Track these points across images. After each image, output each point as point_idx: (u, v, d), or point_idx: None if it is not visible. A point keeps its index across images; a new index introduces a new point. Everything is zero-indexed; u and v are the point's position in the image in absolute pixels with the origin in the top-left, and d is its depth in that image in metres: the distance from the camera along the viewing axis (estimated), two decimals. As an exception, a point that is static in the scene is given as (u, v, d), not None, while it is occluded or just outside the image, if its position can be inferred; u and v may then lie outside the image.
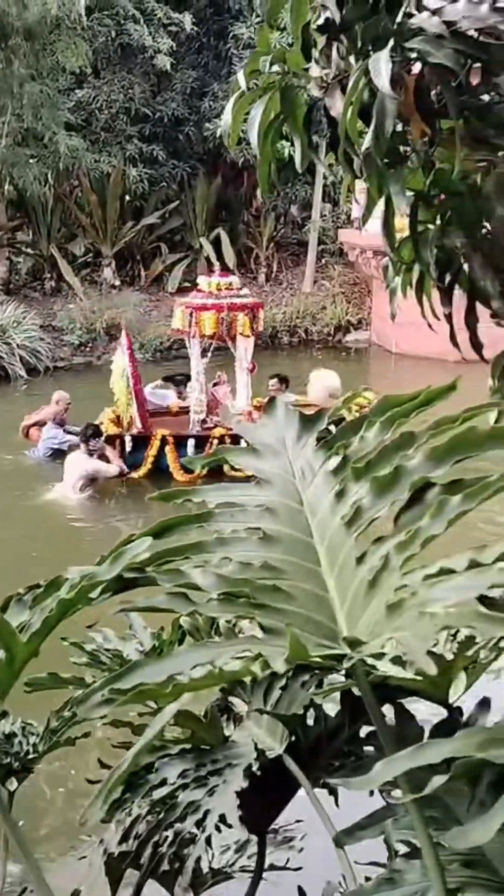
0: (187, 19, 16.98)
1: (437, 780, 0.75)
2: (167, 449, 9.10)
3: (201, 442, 9.12)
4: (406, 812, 1.50)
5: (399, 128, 1.86)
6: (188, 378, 10.05)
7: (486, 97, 1.86)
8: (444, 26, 1.33)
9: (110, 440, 9.20)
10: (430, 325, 2.27)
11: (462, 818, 1.47)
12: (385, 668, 1.51)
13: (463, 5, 1.39)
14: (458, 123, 1.64)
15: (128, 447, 9.29)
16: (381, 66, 1.37)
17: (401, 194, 1.69)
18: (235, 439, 8.73)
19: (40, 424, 10.12)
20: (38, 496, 9.01)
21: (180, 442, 9.16)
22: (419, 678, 1.53)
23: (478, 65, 1.70)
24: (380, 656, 1.37)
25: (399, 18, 1.45)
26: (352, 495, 1.08)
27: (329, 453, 1.17)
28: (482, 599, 0.99)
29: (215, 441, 9.05)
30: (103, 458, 9.09)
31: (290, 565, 1.06)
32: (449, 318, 2.08)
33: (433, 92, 1.68)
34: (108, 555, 1.08)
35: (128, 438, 9.29)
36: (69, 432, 9.79)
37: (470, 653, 1.51)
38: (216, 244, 18.70)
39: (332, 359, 16.21)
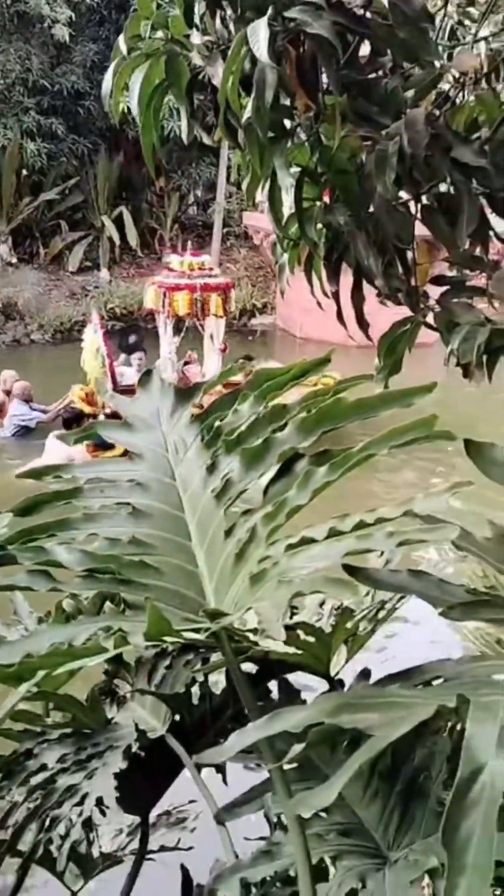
0: (87, -10, 16.52)
1: (296, 748, 0.74)
2: None
3: None
4: (283, 786, 1.51)
5: (288, 102, 1.84)
6: (136, 346, 10.04)
7: (373, 75, 1.87)
8: (320, -4, 1.31)
9: (84, 419, 9.06)
10: (319, 304, 2.27)
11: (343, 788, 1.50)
12: (262, 641, 1.50)
13: (341, -23, 1.37)
14: (340, 99, 1.64)
15: None
16: (260, 34, 1.34)
17: (284, 169, 1.68)
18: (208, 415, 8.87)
19: None
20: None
21: None
22: (299, 652, 1.54)
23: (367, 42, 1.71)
24: (249, 630, 1.36)
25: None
26: (223, 468, 1.06)
27: (202, 427, 1.15)
28: (347, 567, 0.99)
29: None
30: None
31: (159, 540, 1.04)
32: (336, 296, 2.08)
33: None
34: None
35: (101, 418, 9.13)
36: (35, 409, 9.66)
37: (349, 625, 1.52)
38: (118, 223, 18.32)
39: (237, 343, 16.19)
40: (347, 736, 1.54)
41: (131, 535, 1.03)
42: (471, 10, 5.25)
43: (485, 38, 1.79)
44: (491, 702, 0.67)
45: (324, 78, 1.74)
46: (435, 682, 0.85)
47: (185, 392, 1.23)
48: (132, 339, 10.98)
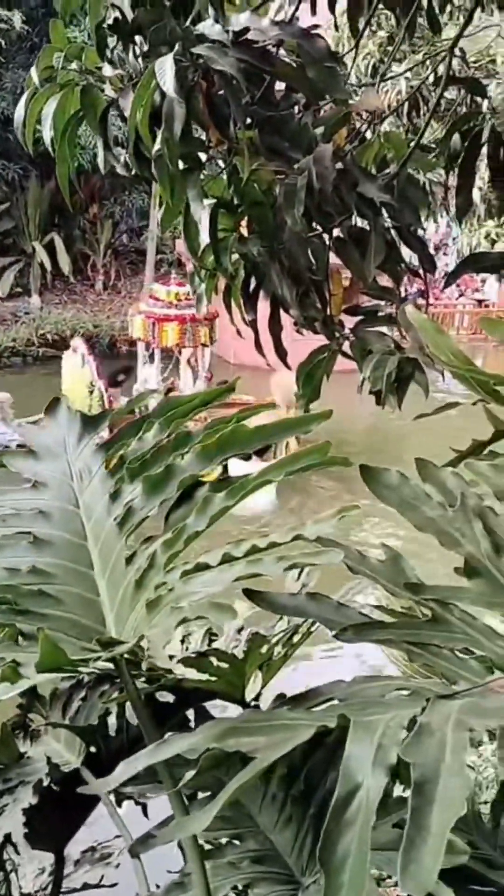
0: (17, 18, 16.48)
1: (188, 775, 0.74)
2: None
3: None
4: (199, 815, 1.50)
5: (203, 135, 1.88)
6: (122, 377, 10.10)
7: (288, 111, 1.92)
8: (225, 34, 1.35)
9: None
10: (238, 332, 2.30)
11: (255, 815, 1.49)
12: (176, 669, 1.50)
13: (246, 17, 1.42)
14: (249, 133, 1.68)
15: None
16: (167, 69, 1.37)
17: (198, 200, 1.71)
18: None
19: None
20: None
21: None
22: (213, 678, 1.54)
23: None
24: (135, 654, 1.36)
25: (187, 24, 1.46)
26: (126, 496, 1.07)
27: (108, 455, 1.15)
28: (247, 592, 1.00)
29: None
30: None
31: (60, 569, 1.03)
32: (254, 324, 2.12)
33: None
34: None
35: None
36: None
37: (264, 650, 1.53)
38: (50, 249, 18.18)
39: (171, 369, 16.18)
40: (279, 764, 1.55)
41: (31, 565, 1.02)
42: (391, 49, 5.43)
43: (392, 77, 1.86)
44: (370, 721, 0.68)
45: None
46: (329, 704, 0.87)
47: (91, 420, 1.23)
48: (121, 377, 10.99)
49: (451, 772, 0.61)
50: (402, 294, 2.04)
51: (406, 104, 4.96)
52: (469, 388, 1.26)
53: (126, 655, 0.87)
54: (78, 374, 9.68)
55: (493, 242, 5.23)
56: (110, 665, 1.41)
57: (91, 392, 9.48)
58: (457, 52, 6.70)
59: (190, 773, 0.74)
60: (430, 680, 0.84)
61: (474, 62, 6.41)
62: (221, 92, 1.53)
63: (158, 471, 1.03)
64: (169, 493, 1.01)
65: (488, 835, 1.49)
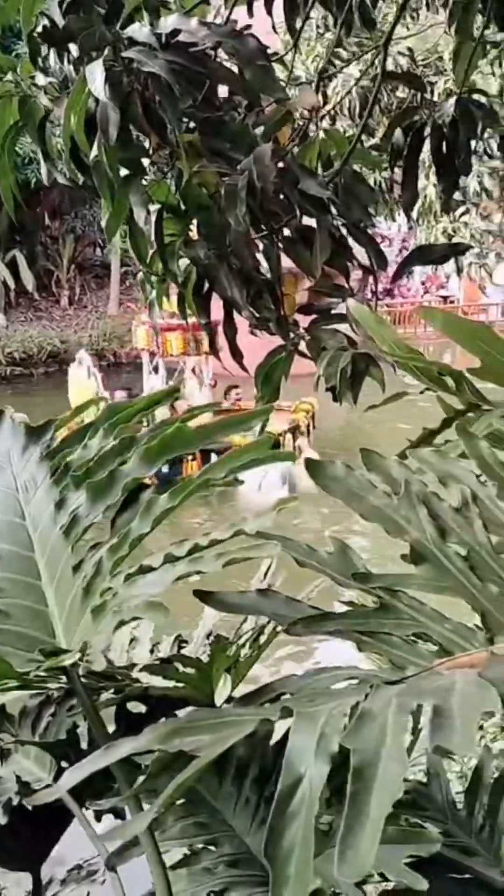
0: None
1: (139, 780, 0.73)
2: None
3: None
4: (174, 823, 1.49)
5: (146, 140, 1.88)
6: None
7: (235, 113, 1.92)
8: (153, 38, 1.35)
9: None
10: (196, 340, 2.29)
11: (230, 819, 1.48)
12: (143, 678, 1.48)
13: (175, 19, 1.42)
14: (190, 136, 1.68)
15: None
16: (97, 74, 1.36)
17: (140, 205, 1.70)
18: (205, 455, 9.60)
19: None
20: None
21: None
22: (180, 685, 1.52)
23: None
24: (124, 667, 1.34)
25: (116, 28, 1.46)
26: (71, 504, 1.05)
27: (53, 464, 1.14)
28: (198, 593, 1.00)
29: (188, 456, 9.81)
30: None
31: (7, 582, 1.02)
32: (208, 326, 2.12)
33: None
34: None
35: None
36: None
37: (230, 652, 1.52)
38: (12, 266, 18.08)
39: (141, 380, 16.16)
40: (232, 766, 1.54)
41: (-23, 579, 1.00)
42: (339, 50, 5.49)
43: (330, 76, 1.87)
44: (313, 712, 0.68)
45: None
46: (282, 698, 0.86)
47: (35, 430, 1.21)
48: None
49: (391, 756, 0.61)
50: (368, 292, 2.05)
51: (357, 103, 5.00)
52: (414, 378, 1.26)
53: (79, 665, 0.85)
54: (85, 385, 9.90)
55: (450, 237, 5.29)
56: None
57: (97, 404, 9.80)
58: (404, 49, 6.74)
59: (140, 779, 0.72)
60: (381, 668, 0.84)
61: (423, 60, 6.48)
62: (154, 95, 1.52)
63: (102, 477, 1.02)
64: (113, 499, 1.00)
65: (463, 822, 1.50)
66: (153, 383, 10.65)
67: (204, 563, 0.79)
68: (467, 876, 1.39)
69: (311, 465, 1.01)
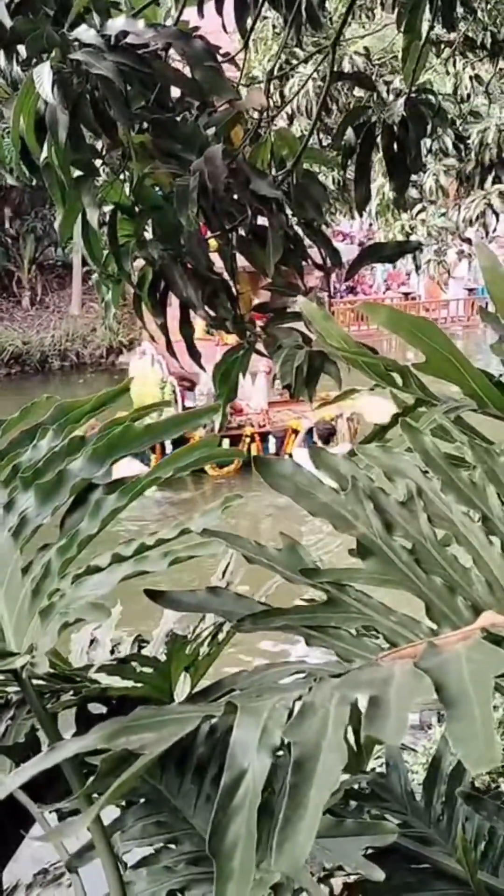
0: None
1: (89, 781, 0.73)
2: None
3: (234, 440, 9.97)
4: (134, 822, 1.49)
5: (98, 142, 1.87)
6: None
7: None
8: (100, 39, 1.35)
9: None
10: (152, 337, 2.29)
11: (190, 817, 1.49)
12: (102, 679, 1.47)
13: (122, 21, 1.42)
14: (143, 137, 1.68)
15: (167, 449, 10.22)
16: (44, 76, 1.36)
17: (93, 206, 1.70)
18: (263, 437, 10.01)
19: None
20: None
21: None
22: (138, 685, 1.52)
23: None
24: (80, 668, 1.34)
25: (63, 30, 1.45)
26: (20, 505, 1.05)
27: (1, 465, 1.13)
28: (149, 592, 1.00)
29: (247, 439, 10.04)
30: None
31: (-43, 586, 1.01)
32: (164, 328, 2.11)
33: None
34: None
35: (167, 442, 10.00)
36: None
37: (188, 651, 1.53)
38: (-27, 268, 17.87)
39: (105, 382, 16.08)
40: (192, 764, 1.54)
41: None
42: (297, 50, 5.49)
43: (278, 77, 1.88)
44: (257, 706, 0.69)
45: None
46: (232, 694, 0.87)
47: (-14, 433, 1.20)
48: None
49: (331, 747, 0.62)
50: (332, 290, 2.06)
51: (315, 102, 5.03)
52: (363, 374, 1.28)
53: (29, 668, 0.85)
54: (149, 373, 9.97)
55: (408, 235, 5.35)
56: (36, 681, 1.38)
57: (162, 388, 9.86)
58: (361, 49, 6.77)
59: (79, 781, 0.73)
60: (328, 661, 0.85)
61: (379, 59, 6.53)
62: (104, 97, 1.52)
63: (50, 477, 1.02)
64: (62, 499, 1.00)
65: (421, 813, 1.52)
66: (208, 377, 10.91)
67: (150, 563, 0.79)
68: (425, 865, 1.41)
69: (258, 462, 1.02)
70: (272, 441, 10.44)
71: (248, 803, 0.63)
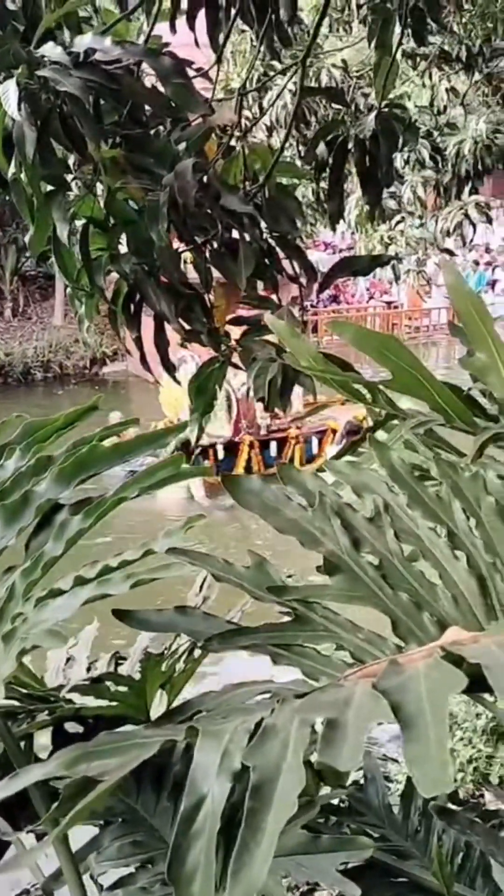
0: None
1: (53, 806, 0.72)
2: (253, 453, 10.47)
3: (281, 443, 10.58)
4: (111, 843, 1.48)
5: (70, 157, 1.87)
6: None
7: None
8: (65, 56, 1.35)
9: (204, 450, 10.20)
10: (127, 350, 2.29)
11: (167, 836, 1.48)
12: (77, 699, 1.46)
13: (90, 38, 1.42)
14: (108, 152, 1.68)
15: (220, 454, 10.49)
16: (10, 93, 1.36)
17: (63, 221, 1.69)
18: (307, 439, 10.49)
19: None
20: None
21: (263, 445, 10.65)
22: (113, 704, 1.51)
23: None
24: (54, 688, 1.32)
25: (31, 48, 1.45)
26: (-14, 527, 1.04)
27: (-30, 486, 1.12)
28: (116, 612, 0.99)
29: (293, 441, 10.51)
30: None
31: None
32: (138, 341, 2.11)
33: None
34: None
35: (219, 447, 10.47)
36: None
37: (163, 668, 1.52)
38: (-46, 280, 17.79)
39: (88, 393, 16.02)
40: (169, 782, 1.53)
41: None
42: (274, 63, 5.52)
43: (249, 92, 1.89)
44: (218, 730, 0.68)
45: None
46: (199, 716, 0.86)
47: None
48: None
49: (291, 770, 0.61)
50: (313, 301, 2.07)
51: (295, 116, 5.05)
52: (333, 389, 1.28)
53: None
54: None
55: (387, 246, 5.38)
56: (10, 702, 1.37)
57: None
58: (339, 63, 6.81)
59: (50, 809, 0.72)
60: (294, 680, 0.85)
61: (357, 71, 6.59)
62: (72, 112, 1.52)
63: (15, 498, 1.01)
64: (27, 520, 0.99)
65: (399, 826, 1.52)
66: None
67: (112, 585, 0.79)
68: (402, 879, 1.41)
69: (226, 479, 1.02)
70: (314, 441, 10.84)
71: (207, 829, 0.63)
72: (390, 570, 0.95)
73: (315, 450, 10.86)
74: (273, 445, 10.72)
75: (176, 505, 9.63)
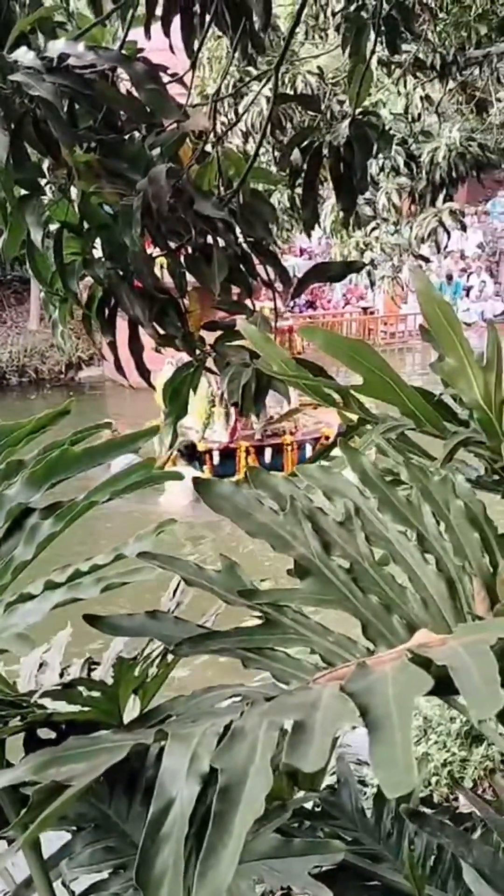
0: None
1: (22, 812, 0.72)
2: (250, 458, 10.35)
3: (276, 448, 10.54)
4: (83, 849, 1.47)
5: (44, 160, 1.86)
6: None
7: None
8: (38, 61, 1.35)
9: (200, 455, 10.35)
10: (102, 355, 2.29)
11: (139, 841, 1.47)
12: (49, 704, 1.45)
13: (62, 43, 1.42)
14: (81, 157, 1.68)
15: (216, 460, 10.45)
16: (-18, 96, 1.35)
17: (37, 225, 1.69)
18: (301, 445, 10.44)
19: None
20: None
21: (259, 451, 10.59)
22: (86, 709, 1.50)
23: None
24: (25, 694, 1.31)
25: (3, 52, 1.45)
26: (-44, 532, 1.03)
27: None
28: (88, 617, 0.99)
29: (288, 447, 10.49)
30: None
31: None
32: (112, 345, 2.11)
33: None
34: None
35: (216, 452, 10.42)
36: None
37: (136, 673, 1.51)
38: None
39: (62, 397, 15.92)
40: (141, 787, 1.52)
41: None
42: (250, 69, 5.54)
43: (222, 98, 1.90)
44: (187, 733, 0.68)
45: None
46: (169, 720, 0.86)
47: None
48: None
49: (259, 772, 0.61)
50: (291, 306, 2.08)
51: (269, 123, 5.07)
52: (305, 394, 1.29)
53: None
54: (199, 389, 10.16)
55: (363, 252, 5.42)
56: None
57: (211, 404, 10.14)
58: (315, 69, 6.84)
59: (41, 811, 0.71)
60: (265, 684, 0.85)
61: (333, 78, 6.63)
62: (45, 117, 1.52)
63: (-14, 502, 1.00)
64: (-2, 525, 0.99)
65: (372, 830, 1.52)
66: None
67: (83, 589, 0.79)
68: (375, 883, 1.41)
69: (198, 483, 1.02)
70: (308, 448, 10.81)
71: (175, 832, 0.63)
72: (361, 573, 0.96)
73: (309, 455, 11.04)
74: (268, 452, 10.74)
75: (181, 509, 9.57)
